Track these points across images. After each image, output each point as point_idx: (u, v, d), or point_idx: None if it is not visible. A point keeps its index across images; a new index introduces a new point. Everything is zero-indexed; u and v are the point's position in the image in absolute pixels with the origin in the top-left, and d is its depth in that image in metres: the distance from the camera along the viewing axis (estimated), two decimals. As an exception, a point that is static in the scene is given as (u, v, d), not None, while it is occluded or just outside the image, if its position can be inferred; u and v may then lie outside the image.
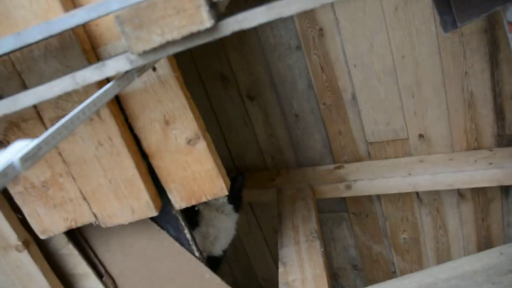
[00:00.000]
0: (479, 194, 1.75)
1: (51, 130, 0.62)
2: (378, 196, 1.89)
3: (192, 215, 1.52)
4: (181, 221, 1.17)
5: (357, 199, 1.92)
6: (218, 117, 1.94)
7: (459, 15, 0.93)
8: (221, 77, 1.82)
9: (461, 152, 1.67)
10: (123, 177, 1.06)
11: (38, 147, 0.58)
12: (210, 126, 1.94)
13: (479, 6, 0.93)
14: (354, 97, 1.67)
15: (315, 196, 1.76)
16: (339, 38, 1.59)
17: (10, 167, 0.53)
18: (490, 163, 1.56)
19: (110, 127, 1.01)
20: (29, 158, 0.55)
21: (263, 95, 1.79)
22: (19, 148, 0.58)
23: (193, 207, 1.53)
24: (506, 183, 1.55)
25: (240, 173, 1.68)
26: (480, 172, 1.56)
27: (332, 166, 1.83)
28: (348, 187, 1.71)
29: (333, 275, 2.26)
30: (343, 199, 1.95)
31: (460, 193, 1.78)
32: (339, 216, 2.03)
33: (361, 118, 1.71)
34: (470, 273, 1.11)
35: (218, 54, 1.78)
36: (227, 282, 1.34)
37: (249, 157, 1.99)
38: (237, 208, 1.55)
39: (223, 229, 1.56)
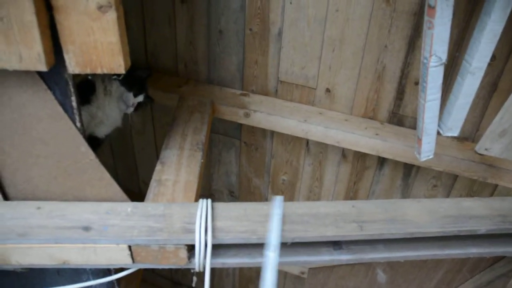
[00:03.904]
0: (359, 159, 1.90)
1: None
2: (272, 134, 1.97)
3: (88, 92, 1.49)
4: (70, 86, 1.14)
5: (252, 131, 1.99)
6: (145, 9, 1.86)
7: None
8: (158, -31, 1.74)
9: (357, 117, 1.79)
10: (19, 20, 0.99)
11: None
12: (134, 17, 1.88)
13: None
14: (280, 33, 1.69)
15: (214, 114, 1.79)
16: (284, -30, 1.58)
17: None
18: (377, 134, 1.70)
19: (16, -39, 0.93)
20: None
21: (195, 1, 1.74)
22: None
23: (91, 85, 1.50)
24: (383, 155, 1.70)
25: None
26: (365, 138, 1.69)
27: (238, 92, 1.86)
28: (247, 115, 1.76)
29: (209, 195, 2.36)
30: (239, 126, 2.01)
31: (344, 154, 1.92)
32: (231, 141, 2.09)
33: (280, 55, 1.74)
34: (322, 214, 1.22)
35: None
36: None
37: (163, 59, 1.95)
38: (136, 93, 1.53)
39: (110, 117, 1.54)
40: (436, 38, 1.06)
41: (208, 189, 2.35)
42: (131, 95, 1.49)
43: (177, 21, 1.83)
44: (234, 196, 2.31)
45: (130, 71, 1.48)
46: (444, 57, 1.10)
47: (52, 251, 1.17)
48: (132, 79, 1.48)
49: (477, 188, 1.79)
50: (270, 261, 1.09)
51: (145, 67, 1.57)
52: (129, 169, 2.47)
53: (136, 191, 2.52)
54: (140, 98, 1.53)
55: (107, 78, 1.49)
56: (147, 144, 2.29)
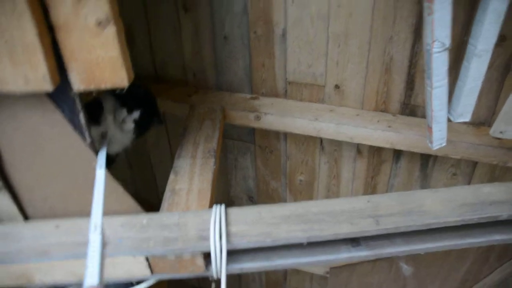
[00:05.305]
0: (375, 154, 1.88)
1: None
2: (286, 135, 1.97)
3: (96, 113, 1.49)
4: (77, 103, 1.16)
5: (266, 134, 1.99)
6: (150, 21, 1.88)
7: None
8: (160, -19, 1.76)
9: (369, 111, 1.77)
10: (22, 42, 1.01)
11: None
12: (140, 30, 1.90)
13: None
14: (284, 33, 1.69)
15: (225, 120, 1.80)
16: (283, -30, 1.58)
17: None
18: (389, 126, 1.67)
19: (15, -13, 0.95)
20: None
21: (198, 9, 1.75)
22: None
23: (99, 105, 1.50)
24: (397, 147, 1.67)
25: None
26: (378, 132, 1.67)
27: (248, 96, 1.86)
28: (258, 118, 1.76)
29: (229, 202, 2.36)
30: (253, 130, 2.01)
31: (358, 149, 1.90)
32: (246, 146, 2.09)
33: (286, 56, 1.74)
34: (337, 212, 1.21)
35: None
36: (129, 190, 1.37)
37: (172, 69, 1.97)
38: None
39: (118, 138, 1.53)
40: (437, 23, 1.04)
41: (227, 196, 2.36)
42: (123, 110, 1.48)
43: (182, 31, 1.84)
44: (253, 201, 2.31)
45: (127, 89, 1.48)
46: (447, 42, 1.07)
47: (74, 268, 1.19)
48: (127, 94, 1.47)
49: (499, 173, 1.74)
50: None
51: (139, 84, 1.54)
52: (148, 181, 2.50)
53: (155, 202, 2.53)
54: (136, 115, 1.49)
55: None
56: (163, 155, 2.31)
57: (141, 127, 1.53)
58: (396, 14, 1.53)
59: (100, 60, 1.07)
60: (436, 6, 1.01)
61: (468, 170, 1.78)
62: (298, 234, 1.14)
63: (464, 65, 1.16)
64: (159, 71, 2.01)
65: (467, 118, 1.23)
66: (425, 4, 1.04)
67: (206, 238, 1.13)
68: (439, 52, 1.07)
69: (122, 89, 1.25)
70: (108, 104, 1.48)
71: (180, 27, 1.84)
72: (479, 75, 1.15)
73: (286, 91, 1.83)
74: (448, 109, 1.21)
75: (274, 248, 1.21)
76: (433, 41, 1.06)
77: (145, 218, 1.23)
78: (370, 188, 2.00)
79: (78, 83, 1.11)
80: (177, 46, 1.89)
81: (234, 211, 1.22)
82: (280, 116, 1.75)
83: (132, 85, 1.50)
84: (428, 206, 1.19)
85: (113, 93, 1.48)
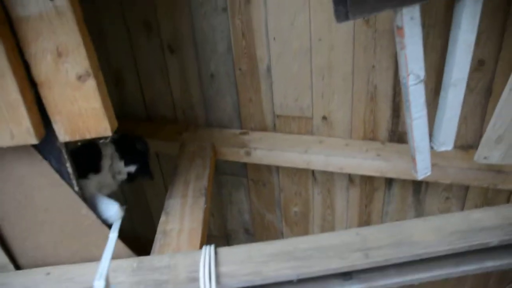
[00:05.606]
0: (367, 182, 1.88)
1: None
2: (278, 168, 1.98)
3: (96, 161, 1.51)
4: (64, 154, 1.18)
5: (258, 167, 2.00)
6: (138, 64, 1.92)
7: (352, 9, 0.99)
8: (145, 24, 1.80)
9: (357, 140, 1.78)
10: (6, 100, 1.04)
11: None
12: (129, 72, 1.94)
13: (371, 5, 1.00)
14: (269, 69, 1.72)
15: (216, 156, 1.81)
16: (264, 9, 1.61)
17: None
18: (379, 155, 1.68)
19: (-4, 48, 0.98)
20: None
21: (184, 50, 1.79)
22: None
23: (98, 153, 1.52)
24: (388, 175, 1.68)
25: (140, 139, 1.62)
26: (368, 161, 1.68)
27: (238, 131, 1.88)
28: (248, 153, 1.78)
29: (226, 236, 2.36)
30: (245, 165, 2.02)
31: (350, 178, 1.90)
32: (239, 180, 2.10)
33: (272, 90, 1.76)
34: (326, 247, 1.20)
35: (146, 2, 1.76)
36: (126, 226, 1.38)
37: (162, 108, 1.99)
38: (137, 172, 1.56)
39: (107, 184, 1.54)
40: (409, 57, 1.06)
41: (224, 230, 2.35)
42: (121, 163, 1.51)
43: (169, 71, 1.88)
44: (249, 233, 2.30)
45: (129, 141, 1.53)
46: (421, 74, 1.09)
47: (65, 317, 1.19)
48: (126, 148, 1.51)
49: (491, 195, 1.74)
50: None
51: (143, 141, 1.58)
52: (145, 218, 2.50)
53: (153, 238, 2.53)
54: (132, 168, 1.53)
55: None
56: (158, 192, 2.31)
57: (132, 178, 1.55)
58: (376, 44, 1.56)
59: (83, 111, 1.09)
60: (407, 41, 1.03)
61: (461, 194, 1.78)
62: (287, 271, 1.14)
63: (441, 95, 1.18)
64: (150, 110, 2.04)
65: (449, 146, 1.24)
66: (397, 39, 1.07)
67: (196, 280, 1.13)
68: (415, 84, 1.09)
69: (124, 138, 1.26)
70: (107, 151, 1.49)
71: (167, 68, 1.87)
72: (457, 104, 1.16)
73: (274, 124, 1.85)
74: (430, 138, 1.22)
75: (264, 286, 1.20)
76: (408, 74, 1.08)
77: (136, 261, 1.23)
78: (365, 216, 1.99)
79: (63, 134, 1.13)
80: (166, 86, 1.93)
81: (224, 250, 1.22)
82: (270, 150, 1.77)
83: (134, 138, 1.55)
84: (417, 236, 1.19)
85: (112, 140, 1.50)
